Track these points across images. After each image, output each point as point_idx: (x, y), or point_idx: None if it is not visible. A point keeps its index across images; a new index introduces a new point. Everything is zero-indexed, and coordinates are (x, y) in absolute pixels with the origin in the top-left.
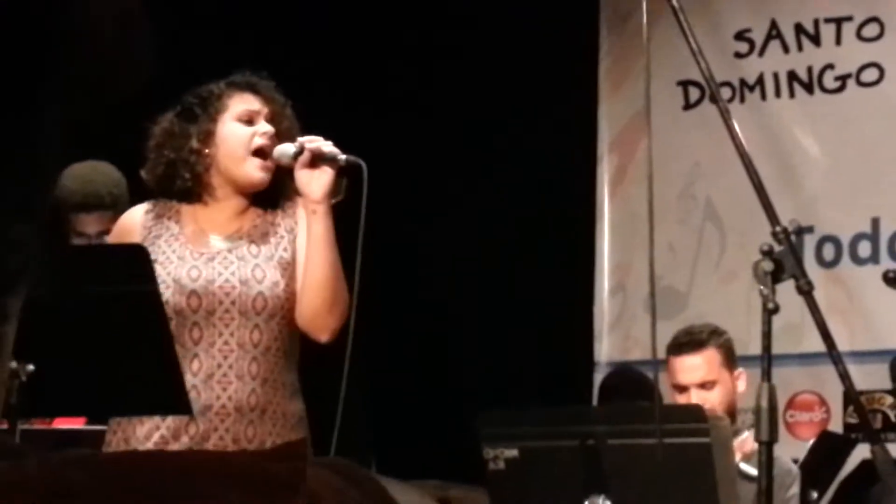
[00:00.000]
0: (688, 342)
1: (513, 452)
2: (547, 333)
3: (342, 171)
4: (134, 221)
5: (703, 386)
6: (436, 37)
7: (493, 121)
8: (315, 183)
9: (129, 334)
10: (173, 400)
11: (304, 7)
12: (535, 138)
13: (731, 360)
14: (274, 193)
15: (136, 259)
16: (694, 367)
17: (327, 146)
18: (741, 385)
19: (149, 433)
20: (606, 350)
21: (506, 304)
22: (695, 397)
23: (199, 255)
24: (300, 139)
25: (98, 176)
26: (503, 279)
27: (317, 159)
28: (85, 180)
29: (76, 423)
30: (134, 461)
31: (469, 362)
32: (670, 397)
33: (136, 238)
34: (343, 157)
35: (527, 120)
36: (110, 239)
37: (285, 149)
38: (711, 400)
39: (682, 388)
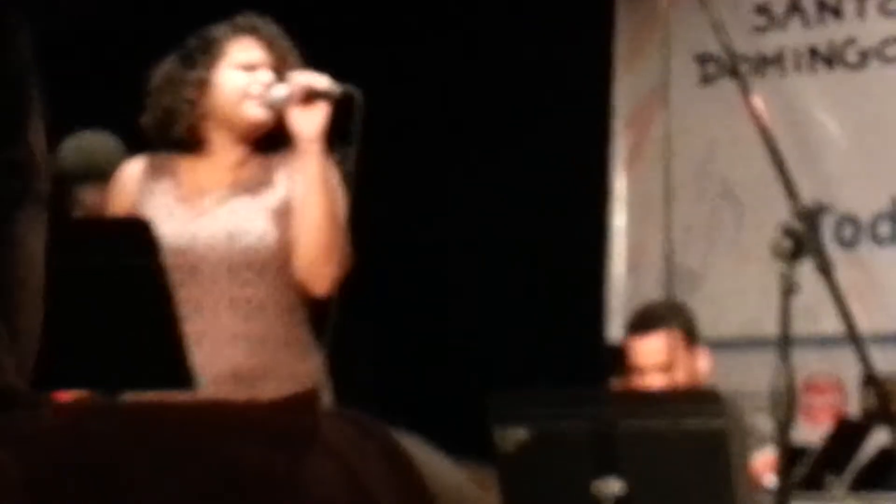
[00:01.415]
0: (642, 323)
1: (523, 434)
2: (558, 313)
3: (339, 104)
4: (130, 177)
5: (662, 367)
6: (445, 10)
7: (506, 97)
8: (308, 120)
9: (133, 308)
10: (178, 375)
11: None
12: (549, 114)
13: (692, 338)
14: (277, 141)
15: (140, 232)
16: (651, 349)
17: (320, 80)
18: (703, 366)
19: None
20: (618, 331)
21: (516, 282)
22: (652, 379)
23: (188, 209)
24: (291, 79)
25: (98, 146)
26: (514, 257)
27: (310, 96)
28: (85, 151)
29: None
30: (152, 411)
31: (478, 341)
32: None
33: (132, 193)
34: (338, 89)
35: (540, 96)
36: (109, 195)
37: (276, 91)
38: (668, 383)
39: (641, 370)
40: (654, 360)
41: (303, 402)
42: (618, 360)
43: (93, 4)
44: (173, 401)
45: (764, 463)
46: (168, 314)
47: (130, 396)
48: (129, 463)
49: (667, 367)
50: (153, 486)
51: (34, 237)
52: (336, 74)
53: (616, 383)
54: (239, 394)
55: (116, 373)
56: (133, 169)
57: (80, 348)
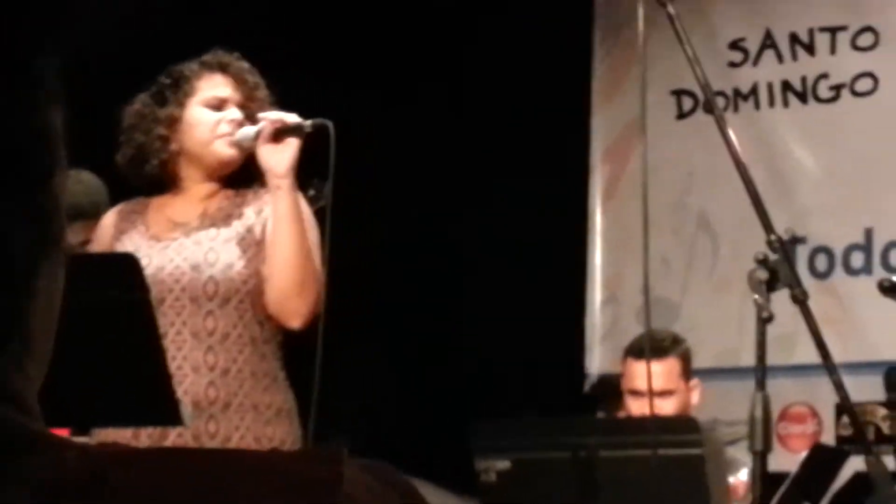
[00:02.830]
0: (650, 348)
1: (505, 464)
2: (537, 344)
3: (310, 138)
4: (105, 224)
5: (661, 394)
6: (425, 44)
7: (483, 131)
8: (278, 157)
9: (118, 344)
10: (163, 411)
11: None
12: (527, 149)
13: (688, 370)
14: (247, 178)
15: (126, 267)
16: (654, 374)
17: (290, 117)
18: (695, 397)
19: (113, 434)
20: (598, 361)
21: (496, 313)
22: (651, 406)
23: (155, 243)
24: (260, 115)
25: (77, 185)
26: (493, 289)
27: (280, 132)
28: (68, 192)
29: (62, 433)
30: (176, 459)
31: (458, 372)
32: (624, 401)
33: (106, 240)
34: (308, 122)
35: (518, 131)
36: (93, 245)
37: (246, 132)
38: (665, 409)
39: (639, 394)
40: (658, 385)
41: (330, 453)
42: (608, 390)
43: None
44: (197, 449)
45: (737, 485)
46: (155, 349)
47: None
48: None
49: (665, 395)
50: None
51: (55, 285)
52: (323, 109)
53: (604, 414)
54: (198, 425)
55: (102, 408)
56: (106, 220)
57: (65, 384)
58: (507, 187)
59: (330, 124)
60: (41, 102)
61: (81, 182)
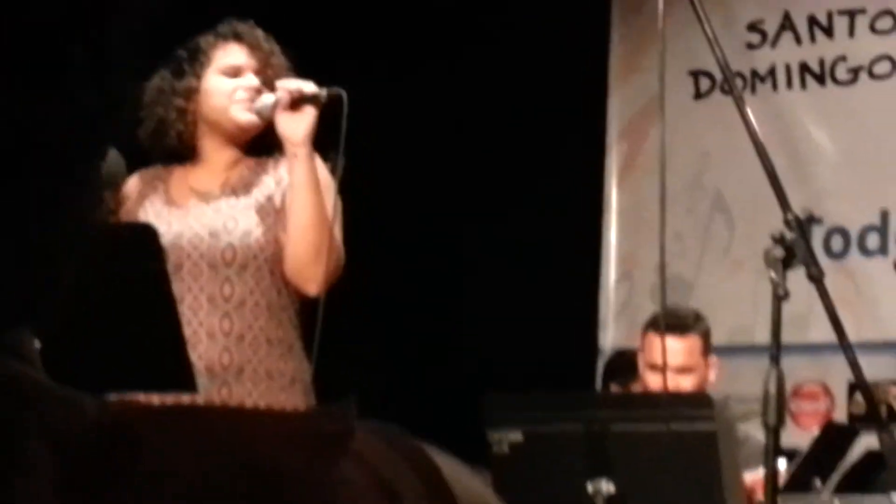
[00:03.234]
0: (674, 324)
1: (517, 436)
2: (551, 320)
3: (326, 107)
4: (129, 188)
5: (681, 370)
6: (436, 23)
7: (501, 108)
8: (295, 125)
9: (135, 312)
10: (178, 378)
11: None
12: (544, 127)
13: (708, 347)
14: (268, 147)
15: (142, 237)
16: (676, 350)
17: (307, 85)
18: (712, 375)
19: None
20: (611, 337)
21: (510, 290)
22: (669, 380)
23: (176, 210)
24: (278, 83)
25: None
26: (508, 266)
27: (297, 101)
28: None
29: None
30: (196, 415)
31: (472, 347)
32: (639, 376)
33: (130, 204)
34: (324, 91)
35: (535, 109)
36: (119, 211)
37: (264, 100)
38: (684, 385)
39: (657, 368)
40: (678, 361)
41: (341, 412)
42: (623, 365)
43: None
44: (211, 405)
45: (755, 481)
46: (170, 318)
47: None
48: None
49: (685, 371)
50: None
51: (79, 258)
52: (331, 82)
53: (617, 388)
54: (211, 390)
55: (118, 375)
56: (129, 185)
57: (83, 352)
58: (523, 164)
59: (343, 94)
60: (78, 86)
61: None
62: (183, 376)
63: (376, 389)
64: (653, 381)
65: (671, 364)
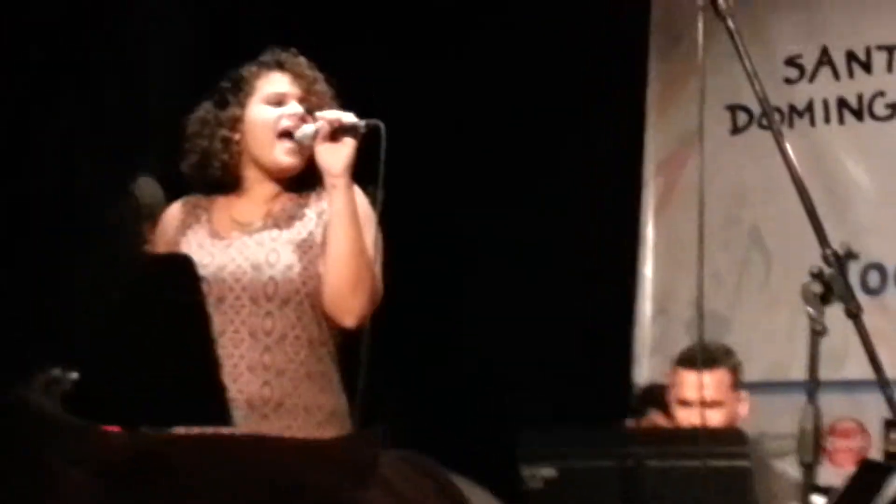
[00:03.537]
0: (702, 358)
1: (551, 472)
2: (586, 356)
3: (365, 139)
4: (171, 215)
5: (710, 405)
6: (482, 53)
7: (540, 141)
8: (335, 156)
9: (172, 344)
10: (214, 411)
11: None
12: (581, 161)
13: (738, 382)
14: (311, 178)
15: (179, 268)
16: (704, 384)
17: (346, 116)
18: (743, 409)
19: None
20: (646, 372)
21: (546, 323)
22: (699, 415)
23: (218, 241)
24: (318, 114)
25: (149, 188)
26: (544, 299)
27: (337, 132)
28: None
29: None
30: (222, 443)
31: (507, 382)
32: (672, 410)
33: (171, 232)
34: (363, 123)
35: (573, 142)
36: (156, 237)
37: (305, 129)
38: (714, 420)
39: (687, 404)
40: (707, 395)
41: (366, 440)
42: (644, 398)
43: None
44: (240, 434)
45: None
46: (207, 351)
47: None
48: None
49: (714, 406)
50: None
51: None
52: (361, 107)
53: (635, 422)
54: (250, 424)
55: (153, 408)
56: (171, 212)
57: (120, 384)
58: (561, 199)
59: (382, 126)
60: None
61: (149, 184)
62: (219, 409)
63: (407, 424)
64: (683, 416)
65: (700, 398)
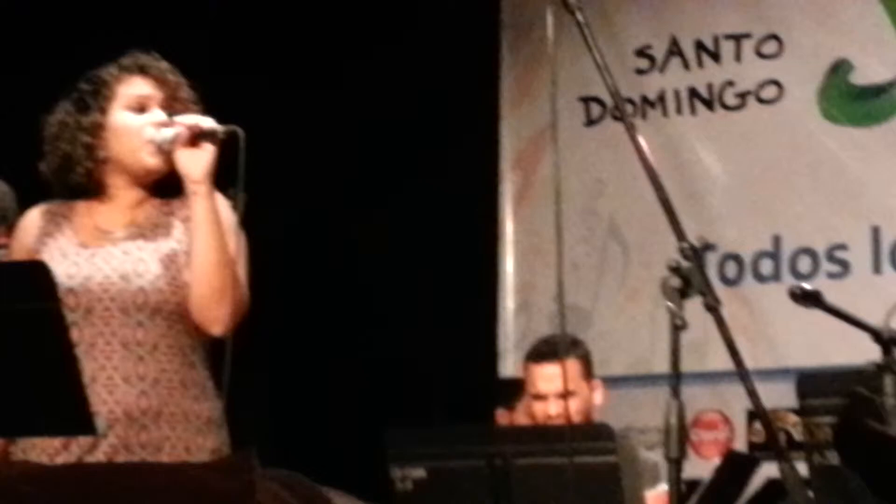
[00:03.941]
0: (548, 351)
1: (420, 472)
2: (451, 352)
3: (224, 144)
4: (30, 222)
5: (562, 396)
6: (332, 49)
7: (393, 139)
8: (194, 162)
9: (29, 353)
10: (77, 420)
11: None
12: (437, 157)
13: (589, 371)
14: (175, 186)
15: (35, 275)
16: (554, 376)
17: (205, 122)
18: (598, 397)
19: (41, 443)
20: (511, 367)
21: (410, 322)
22: (553, 406)
23: (83, 250)
24: (177, 119)
25: None
26: (407, 299)
27: (196, 137)
28: None
29: None
30: (84, 474)
31: (373, 380)
32: (524, 406)
33: (31, 239)
34: (221, 128)
35: (427, 139)
36: (13, 245)
37: (163, 134)
38: (569, 410)
39: (541, 397)
40: (555, 387)
41: (241, 465)
42: (509, 391)
43: None
44: (109, 464)
45: (657, 499)
46: (67, 358)
47: (30, 442)
48: None
49: (566, 395)
50: None
51: None
52: (225, 114)
53: (503, 414)
54: (129, 434)
55: (15, 418)
56: (30, 219)
57: None
58: (418, 197)
59: (240, 131)
60: None
61: None
62: (81, 418)
63: (274, 427)
64: (538, 409)
65: (551, 390)
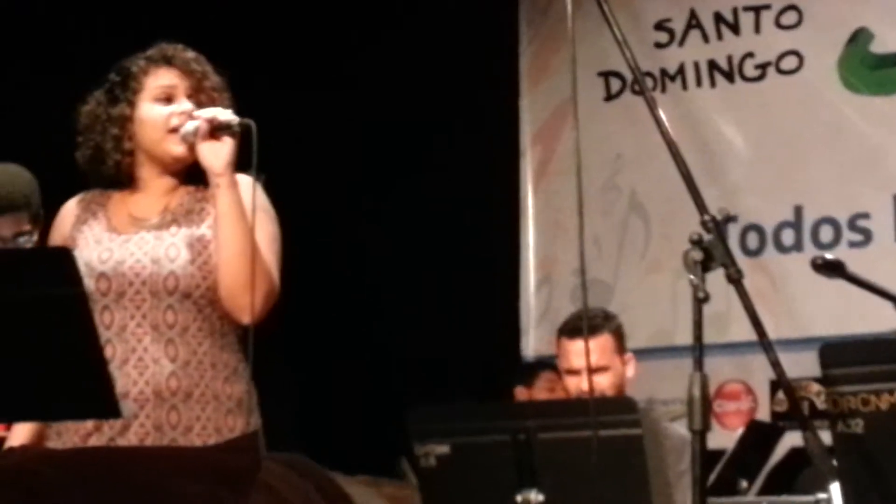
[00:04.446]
0: (581, 326)
1: (444, 449)
2: (474, 329)
3: (242, 137)
4: (67, 211)
5: (595, 370)
6: (354, 29)
7: (415, 117)
8: (215, 154)
9: (55, 338)
10: (101, 404)
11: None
12: (458, 134)
13: (622, 345)
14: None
15: (60, 261)
16: (588, 350)
17: (223, 114)
18: (630, 370)
19: (74, 426)
20: (533, 344)
21: (432, 299)
22: (585, 382)
23: (116, 236)
24: (196, 112)
25: (8, 178)
26: (429, 275)
27: (215, 130)
28: None
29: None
30: (97, 457)
31: (396, 357)
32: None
33: (67, 227)
34: (236, 121)
35: (449, 116)
36: (51, 232)
37: (188, 127)
38: (602, 384)
39: (574, 372)
40: (593, 361)
41: (246, 444)
42: (528, 371)
43: None
44: (123, 447)
45: None
46: (92, 343)
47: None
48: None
49: (600, 371)
50: None
51: None
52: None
53: (522, 391)
54: (160, 415)
55: (41, 403)
56: (67, 208)
57: (3, 379)
58: (440, 174)
59: (253, 124)
60: None
61: (11, 175)
62: (107, 401)
63: (297, 407)
64: (571, 384)
65: (584, 366)
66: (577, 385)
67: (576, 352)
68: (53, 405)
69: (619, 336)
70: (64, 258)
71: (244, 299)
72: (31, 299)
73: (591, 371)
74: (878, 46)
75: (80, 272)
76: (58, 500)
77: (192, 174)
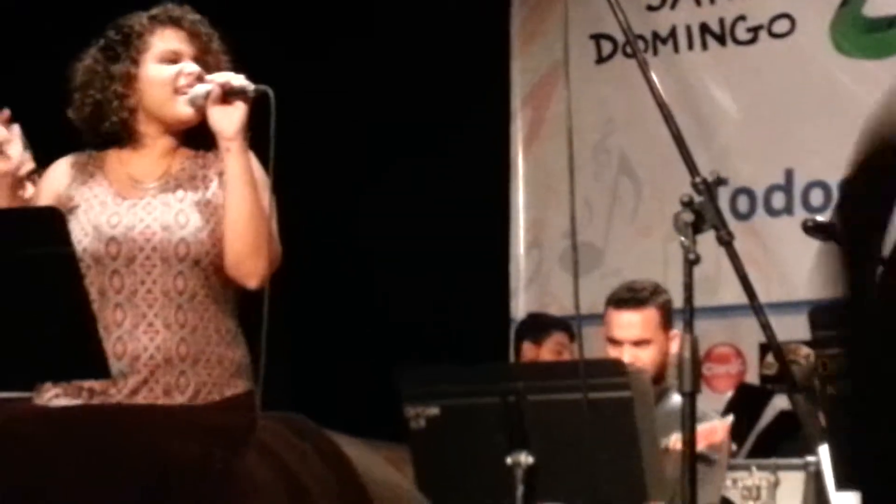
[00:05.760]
0: (630, 298)
1: (434, 410)
2: (463, 291)
3: (255, 103)
4: (59, 171)
5: (638, 343)
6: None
7: (404, 80)
8: (227, 119)
9: (43, 298)
10: (91, 364)
11: None
12: (449, 96)
13: (668, 320)
14: (206, 136)
15: (49, 221)
16: (632, 323)
17: (237, 79)
18: (674, 346)
19: (77, 389)
20: (523, 306)
21: (422, 261)
22: (627, 354)
23: (121, 200)
24: (209, 77)
25: None
26: (418, 238)
27: (228, 95)
28: None
29: None
30: (90, 414)
31: (386, 319)
32: (603, 349)
33: (59, 187)
34: (252, 87)
35: (438, 79)
36: (37, 191)
37: (198, 90)
38: (643, 358)
39: (617, 343)
40: (634, 335)
41: (242, 403)
42: (538, 325)
43: None
44: (119, 404)
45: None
46: (81, 302)
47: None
48: (62, 462)
49: (643, 344)
50: (88, 481)
51: None
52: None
53: (529, 348)
54: (170, 379)
55: (29, 364)
56: (59, 168)
57: None
58: (429, 135)
59: (270, 91)
60: None
61: None
62: (96, 362)
63: (289, 370)
64: (613, 354)
65: (627, 337)
66: (617, 356)
67: (619, 323)
68: (43, 365)
69: (665, 311)
70: (53, 217)
71: (252, 264)
72: (20, 258)
73: (632, 343)
74: (871, 10)
75: (69, 232)
76: (49, 456)
77: (190, 135)
